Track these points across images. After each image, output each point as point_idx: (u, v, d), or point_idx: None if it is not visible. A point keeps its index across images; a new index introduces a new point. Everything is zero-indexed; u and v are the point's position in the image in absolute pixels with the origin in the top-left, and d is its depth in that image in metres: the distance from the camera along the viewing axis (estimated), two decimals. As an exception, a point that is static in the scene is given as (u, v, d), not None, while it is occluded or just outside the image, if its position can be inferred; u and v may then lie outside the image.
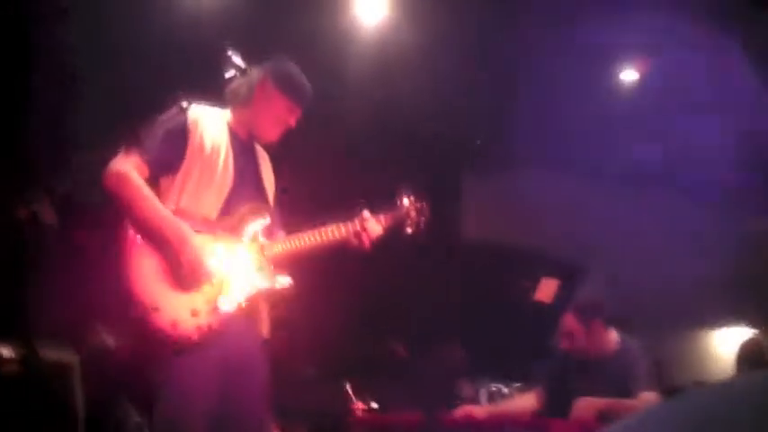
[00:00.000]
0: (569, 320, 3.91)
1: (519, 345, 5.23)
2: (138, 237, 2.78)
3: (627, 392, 3.69)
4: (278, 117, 3.09)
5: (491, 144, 6.62)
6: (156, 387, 2.81)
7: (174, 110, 2.91)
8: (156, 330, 2.73)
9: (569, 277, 5.50)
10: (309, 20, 5.16)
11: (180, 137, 2.89)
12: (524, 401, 4.16)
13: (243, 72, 3.01)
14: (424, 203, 3.43)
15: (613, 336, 3.94)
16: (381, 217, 3.24)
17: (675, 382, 5.60)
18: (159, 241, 2.77)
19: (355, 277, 5.84)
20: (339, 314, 5.89)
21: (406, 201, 3.37)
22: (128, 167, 2.80)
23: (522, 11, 5.25)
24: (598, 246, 6.52)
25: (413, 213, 3.37)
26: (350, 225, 3.14)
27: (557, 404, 3.88)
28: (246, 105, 3.08)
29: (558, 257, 6.11)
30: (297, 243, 3.06)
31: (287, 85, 3.08)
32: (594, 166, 6.58)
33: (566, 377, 3.97)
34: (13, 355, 3.83)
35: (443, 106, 6.10)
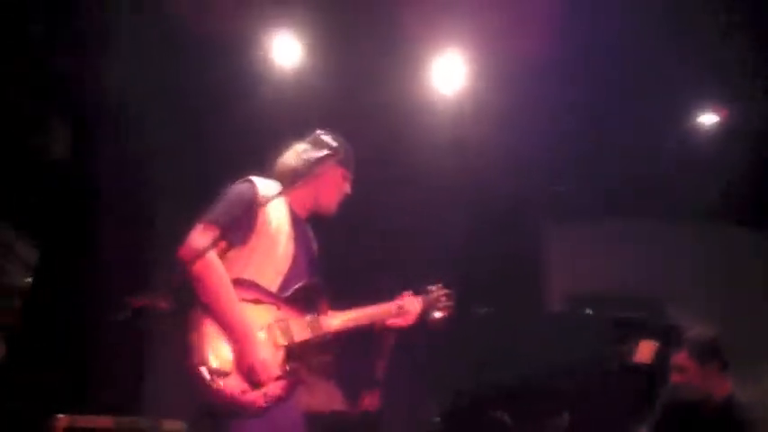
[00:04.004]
0: (682, 358, 3.81)
1: (618, 407, 5.15)
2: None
3: None
4: (340, 189, 3.31)
5: (575, 193, 6.61)
6: None
7: (243, 184, 3.08)
8: (224, 396, 2.79)
9: (667, 337, 5.41)
10: (386, 91, 5.34)
11: (251, 210, 2.99)
12: None
13: (334, 151, 3.21)
14: (450, 290, 3.65)
15: (728, 383, 3.76)
16: (420, 299, 3.51)
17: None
18: (229, 333, 2.85)
19: (453, 347, 5.88)
20: (442, 383, 5.93)
21: (434, 288, 3.61)
22: (209, 247, 2.85)
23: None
24: (688, 291, 6.41)
25: (443, 298, 3.60)
26: (395, 305, 3.42)
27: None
28: (309, 183, 3.20)
29: (652, 319, 6.01)
30: (353, 318, 3.25)
31: (346, 159, 3.31)
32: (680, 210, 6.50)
33: (673, 417, 3.90)
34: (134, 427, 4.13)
35: (523, 158, 6.13)
